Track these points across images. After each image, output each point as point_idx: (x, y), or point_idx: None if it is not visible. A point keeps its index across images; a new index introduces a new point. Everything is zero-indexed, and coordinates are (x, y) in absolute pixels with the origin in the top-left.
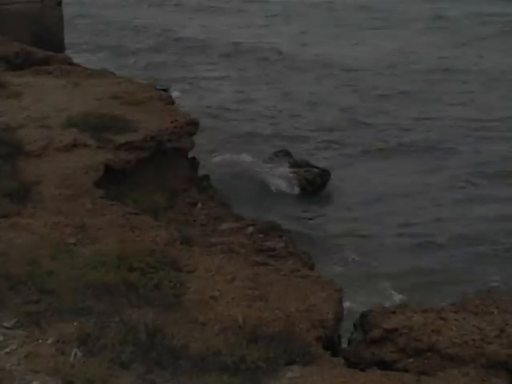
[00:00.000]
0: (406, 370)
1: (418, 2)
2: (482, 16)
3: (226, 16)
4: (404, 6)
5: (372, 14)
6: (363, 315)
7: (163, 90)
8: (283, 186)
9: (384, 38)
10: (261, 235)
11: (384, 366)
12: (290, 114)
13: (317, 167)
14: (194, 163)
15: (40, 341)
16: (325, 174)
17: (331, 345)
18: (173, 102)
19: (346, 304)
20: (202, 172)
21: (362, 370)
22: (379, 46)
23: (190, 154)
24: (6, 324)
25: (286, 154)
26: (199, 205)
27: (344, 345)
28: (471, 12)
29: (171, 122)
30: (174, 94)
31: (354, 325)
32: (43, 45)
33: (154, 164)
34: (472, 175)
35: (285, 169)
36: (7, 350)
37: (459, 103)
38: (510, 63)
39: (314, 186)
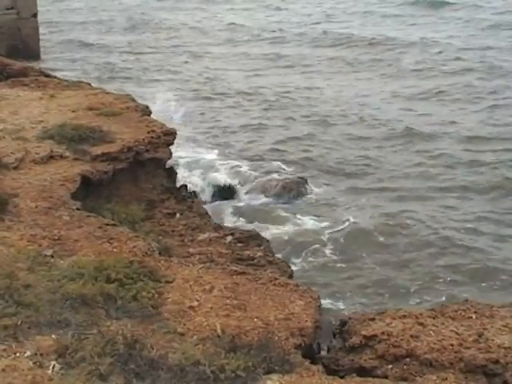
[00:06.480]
0: (386, 377)
1: None
2: None
3: None
4: None
5: None
6: (342, 322)
7: None
8: (260, 193)
9: None
10: (240, 244)
11: (363, 372)
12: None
13: (294, 175)
14: (171, 173)
15: (18, 354)
16: (302, 182)
17: (310, 352)
18: (150, 113)
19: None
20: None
21: (342, 377)
22: None
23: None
24: None
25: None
26: (177, 215)
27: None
28: None
29: (148, 133)
30: None
31: (333, 332)
32: (19, 56)
33: (131, 175)
34: None
35: (262, 176)
36: None
37: None
38: None
39: (291, 193)
